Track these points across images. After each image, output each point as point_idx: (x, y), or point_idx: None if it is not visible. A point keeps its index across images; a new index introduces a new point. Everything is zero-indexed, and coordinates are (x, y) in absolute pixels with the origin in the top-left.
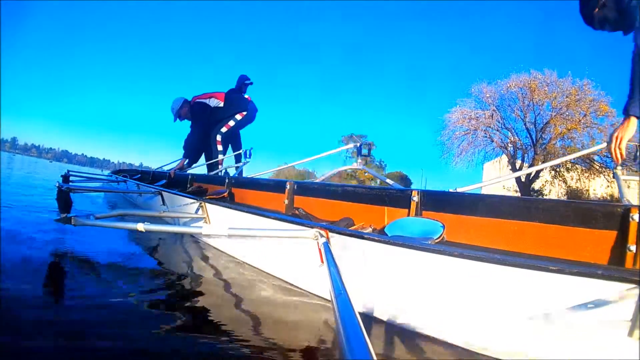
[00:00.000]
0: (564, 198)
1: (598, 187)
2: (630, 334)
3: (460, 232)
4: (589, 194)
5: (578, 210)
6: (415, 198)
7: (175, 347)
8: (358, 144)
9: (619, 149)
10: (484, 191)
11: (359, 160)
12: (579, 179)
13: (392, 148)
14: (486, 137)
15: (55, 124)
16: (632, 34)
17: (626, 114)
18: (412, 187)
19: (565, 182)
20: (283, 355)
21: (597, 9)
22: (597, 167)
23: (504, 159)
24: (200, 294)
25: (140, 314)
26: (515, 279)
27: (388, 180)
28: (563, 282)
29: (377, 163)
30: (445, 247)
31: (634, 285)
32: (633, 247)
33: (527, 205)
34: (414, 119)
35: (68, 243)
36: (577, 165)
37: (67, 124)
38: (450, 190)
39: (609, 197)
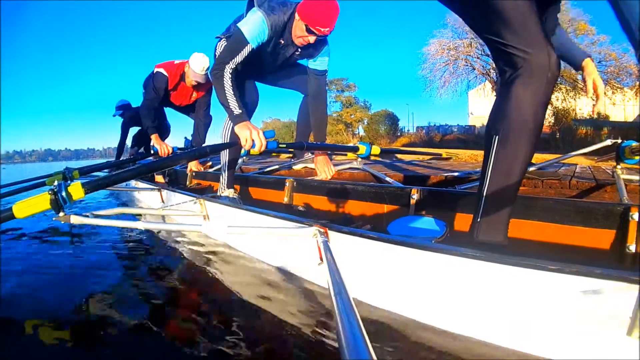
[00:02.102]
0: (552, 120)
1: (584, 107)
2: (630, 333)
3: (460, 231)
4: (575, 113)
5: (578, 209)
6: (415, 196)
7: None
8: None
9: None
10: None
11: (359, 160)
12: (565, 99)
13: (376, 87)
14: (467, 66)
15: (30, 124)
16: None
17: None
18: (400, 123)
19: (551, 103)
20: (283, 354)
21: None
22: (581, 86)
23: (488, 85)
24: (201, 293)
25: (135, 308)
26: (514, 278)
27: (388, 179)
28: (562, 281)
29: (362, 103)
30: (447, 246)
31: (633, 285)
32: (633, 247)
33: (526, 203)
34: (394, 54)
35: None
36: (560, 85)
37: (42, 121)
38: (450, 188)
39: (595, 116)
